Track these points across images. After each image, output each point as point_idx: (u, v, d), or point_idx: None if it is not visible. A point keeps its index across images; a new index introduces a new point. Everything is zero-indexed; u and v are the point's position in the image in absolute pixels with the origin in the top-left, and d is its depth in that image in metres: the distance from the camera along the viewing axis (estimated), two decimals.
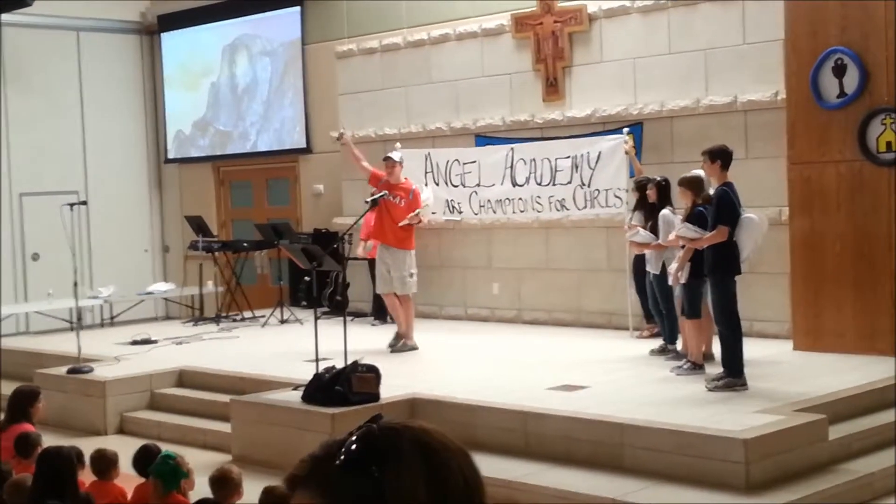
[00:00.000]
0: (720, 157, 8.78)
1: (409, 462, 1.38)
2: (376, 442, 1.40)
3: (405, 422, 1.44)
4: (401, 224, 11.20)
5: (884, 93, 9.80)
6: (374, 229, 11.59)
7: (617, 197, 11.74)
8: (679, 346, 10.09)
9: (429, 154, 13.10)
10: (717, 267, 8.67)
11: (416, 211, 11.27)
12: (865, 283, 9.94)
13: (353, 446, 1.40)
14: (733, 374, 8.65)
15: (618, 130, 11.90)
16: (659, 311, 10.47)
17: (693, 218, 8.98)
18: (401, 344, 11.31)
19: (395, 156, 11.49)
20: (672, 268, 9.40)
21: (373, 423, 1.43)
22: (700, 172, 9.15)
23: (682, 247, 9.11)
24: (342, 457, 1.39)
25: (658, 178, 10.38)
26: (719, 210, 8.63)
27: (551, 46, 12.74)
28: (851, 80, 9.94)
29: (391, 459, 1.38)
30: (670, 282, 9.59)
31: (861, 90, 9.89)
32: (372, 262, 13.30)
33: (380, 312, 13.60)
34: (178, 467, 6.00)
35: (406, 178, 11.56)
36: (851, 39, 9.92)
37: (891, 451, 7.90)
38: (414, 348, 11.32)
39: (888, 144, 9.77)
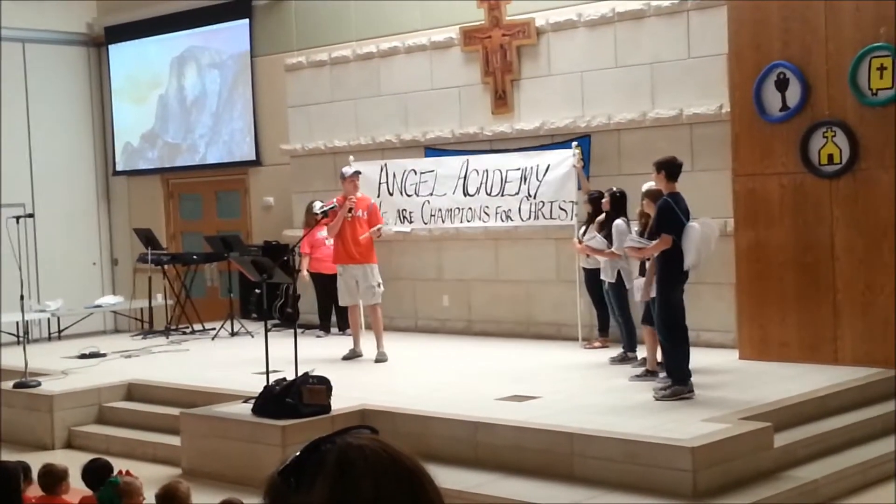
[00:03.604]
0: (664, 168, 8.93)
1: (324, 478, 1.44)
2: (309, 455, 1.47)
3: (353, 438, 1.49)
4: (361, 238, 11.31)
5: (825, 106, 10.00)
6: (336, 253, 11.63)
7: (562, 209, 11.86)
8: (640, 353, 10.22)
9: (385, 165, 13.17)
10: (662, 277, 8.81)
11: (378, 226, 11.46)
12: (808, 294, 10.11)
13: (292, 458, 1.48)
14: (678, 383, 8.77)
15: (566, 143, 12.03)
16: (617, 319, 10.61)
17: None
18: (378, 354, 11.37)
19: (357, 168, 11.74)
20: (638, 282, 9.52)
21: (340, 435, 1.49)
22: (654, 184, 9.29)
23: (648, 259, 9.20)
24: (281, 466, 1.48)
25: (614, 189, 10.54)
26: (660, 220, 8.78)
27: (500, 60, 12.84)
28: (794, 93, 10.12)
29: (310, 474, 1.45)
30: (639, 298, 9.67)
31: (803, 104, 10.08)
32: (317, 277, 13.33)
33: (326, 324, 13.64)
34: (118, 498, 5.96)
35: (362, 193, 11.74)
36: (793, 54, 10.11)
37: (834, 458, 8.05)
38: (385, 359, 11.36)
39: (829, 157, 9.96)
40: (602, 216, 10.65)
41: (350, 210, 11.34)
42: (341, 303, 11.90)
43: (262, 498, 1.49)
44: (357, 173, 11.66)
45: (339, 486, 1.43)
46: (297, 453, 1.48)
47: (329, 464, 1.45)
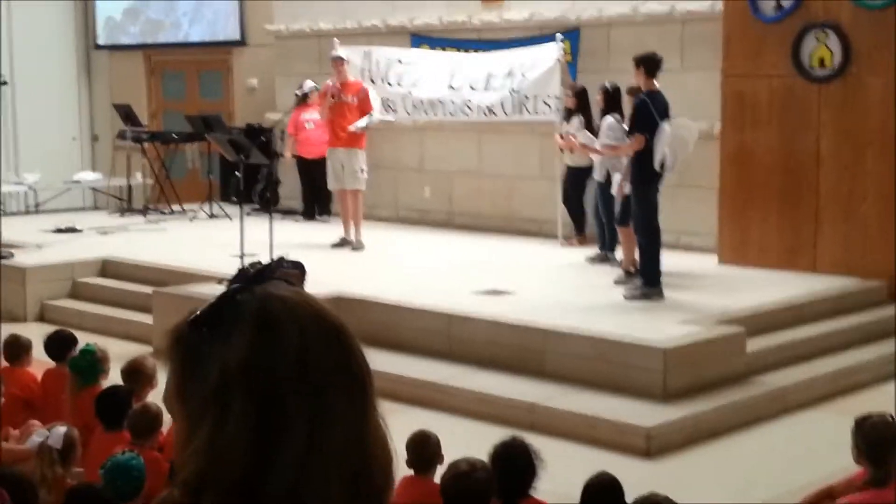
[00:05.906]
0: (644, 63, 8.76)
1: (242, 330, 1.33)
2: (225, 305, 1.36)
3: (273, 288, 1.37)
4: (350, 128, 11.17)
5: (819, 8, 9.79)
6: (328, 137, 11.49)
7: (546, 104, 11.62)
8: (618, 255, 10.14)
9: (369, 52, 12.85)
10: (636, 177, 8.71)
11: (365, 118, 11.24)
12: (791, 199, 10.03)
13: (205, 307, 1.37)
14: (649, 284, 8.74)
15: (555, 36, 11.78)
16: (599, 218, 10.49)
17: None
18: (355, 242, 11.31)
19: (343, 53, 11.47)
20: (616, 178, 9.40)
21: (252, 280, 1.38)
22: None
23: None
24: (192, 316, 1.37)
25: (607, 85, 10.24)
26: (634, 119, 8.64)
27: None
28: None
29: (226, 323, 1.34)
30: (614, 192, 9.57)
31: (797, 4, 9.86)
32: (300, 161, 13.19)
33: (309, 210, 13.54)
34: (97, 363, 5.93)
35: (356, 79, 11.56)
36: None
37: (805, 366, 8.06)
38: (361, 247, 11.31)
39: (821, 60, 9.79)
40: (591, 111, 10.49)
41: (334, 95, 11.17)
42: (329, 186, 11.79)
43: (167, 351, 1.38)
44: (339, 58, 11.44)
45: (260, 338, 1.32)
46: (210, 302, 1.36)
47: (248, 314, 1.33)
